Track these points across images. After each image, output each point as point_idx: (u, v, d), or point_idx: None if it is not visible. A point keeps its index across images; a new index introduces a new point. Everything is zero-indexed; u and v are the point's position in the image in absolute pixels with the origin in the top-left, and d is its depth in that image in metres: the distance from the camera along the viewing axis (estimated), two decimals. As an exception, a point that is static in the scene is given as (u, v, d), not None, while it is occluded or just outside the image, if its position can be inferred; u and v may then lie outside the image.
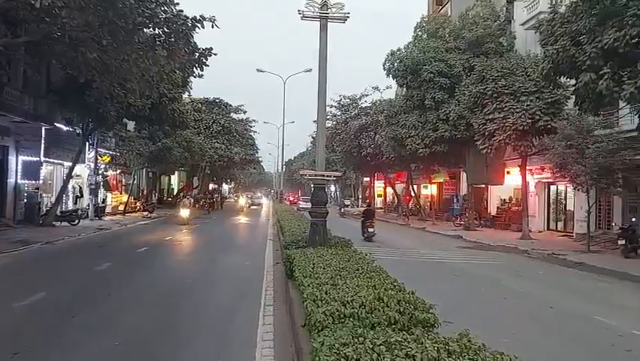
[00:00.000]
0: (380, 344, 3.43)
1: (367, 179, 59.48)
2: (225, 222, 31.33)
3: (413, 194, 42.40)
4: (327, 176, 10.44)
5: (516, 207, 28.90)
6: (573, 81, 15.35)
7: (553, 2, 22.28)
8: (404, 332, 3.91)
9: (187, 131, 36.31)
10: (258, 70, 45.54)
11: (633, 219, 19.22)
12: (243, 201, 48.96)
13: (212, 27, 15.39)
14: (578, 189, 20.11)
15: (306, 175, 11.24)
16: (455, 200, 36.57)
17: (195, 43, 17.10)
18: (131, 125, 33.68)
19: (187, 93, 37.36)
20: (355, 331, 3.85)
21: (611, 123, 21.03)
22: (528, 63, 22.47)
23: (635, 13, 12.20)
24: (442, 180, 41.30)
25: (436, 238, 25.50)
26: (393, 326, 4.25)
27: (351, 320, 4.43)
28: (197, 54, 17.19)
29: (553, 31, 14.89)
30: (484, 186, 32.72)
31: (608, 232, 21.37)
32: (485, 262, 16.75)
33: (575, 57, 14.03)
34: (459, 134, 27.06)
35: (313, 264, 7.22)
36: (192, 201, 43.61)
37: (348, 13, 9.99)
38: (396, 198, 49.11)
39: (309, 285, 5.76)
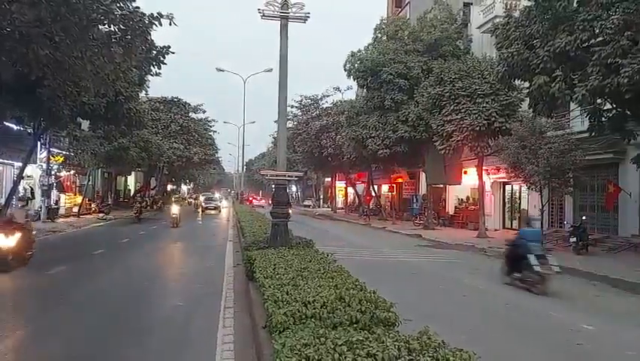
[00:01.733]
0: (341, 344, 3.42)
1: (329, 179, 59.69)
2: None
3: (374, 194, 42.80)
4: (289, 176, 10.40)
5: (473, 207, 29.57)
6: (527, 84, 15.79)
7: (508, 6, 23.03)
8: (365, 332, 3.92)
9: (144, 131, 35.38)
10: (217, 69, 44.74)
11: (584, 218, 19.98)
12: (176, 209, 27.38)
13: (170, 25, 15.06)
14: (532, 189, 20.74)
15: (266, 175, 11.16)
16: (415, 200, 37.12)
17: (153, 40, 16.69)
18: (85, 124, 32.55)
19: (144, 92, 36.52)
20: (317, 331, 3.83)
21: (563, 125, 21.81)
22: (484, 66, 23.04)
23: (585, 19, 12.67)
24: (401, 180, 41.88)
25: (396, 238, 25.82)
26: (355, 326, 4.25)
27: (312, 320, 4.41)
28: (155, 52, 16.77)
29: (507, 34, 15.30)
30: (442, 186, 33.35)
31: (561, 230, 22.14)
32: (444, 260, 17.06)
33: (529, 60, 14.45)
34: (418, 135, 27.49)
35: (274, 265, 7.16)
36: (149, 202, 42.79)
37: (309, 13, 9.97)
38: (357, 198, 49.48)
39: (270, 286, 5.70)
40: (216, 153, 57.44)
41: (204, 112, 52.35)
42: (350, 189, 54.23)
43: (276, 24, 10.45)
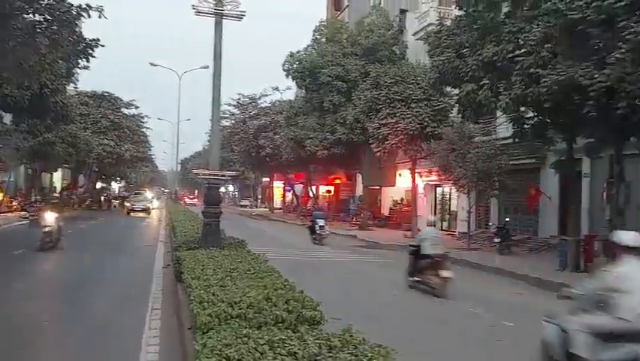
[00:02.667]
0: (263, 343, 3.43)
1: (267, 179, 59.44)
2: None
3: (312, 195, 43.06)
4: (222, 176, 10.28)
5: (407, 208, 30.37)
6: (457, 90, 16.45)
7: (442, 15, 23.84)
8: (289, 331, 3.94)
9: (72, 126, 33.80)
10: (151, 64, 43.26)
11: (507, 220, 21.06)
12: (50, 219, 15.53)
13: (100, 17, 14.53)
14: (461, 191, 21.59)
15: (199, 174, 10.98)
16: (351, 201, 37.68)
17: (81, 32, 16.05)
18: (7, 117, 30.71)
19: (73, 85, 34.87)
20: (240, 331, 3.82)
21: (490, 131, 22.90)
22: (418, 72, 23.79)
23: (511, 30, 13.37)
24: (339, 182, 42.37)
25: (332, 238, 26.00)
26: (280, 325, 4.27)
27: (237, 320, 4.38)
28: (83, 44, 16.12)
29: (439, 42, 15.88)
30: (378, 187, 34.04)
31: (486, 231, 23.19)
32: (377, 260, 17.43)
33: (459, 68, 15.07)
34: (355, 138, 27.91)
35: (203, 265, 7.05)
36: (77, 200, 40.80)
37: (244, 12, 9.90)
38: (295, 198, 49.58)
39: (196, 287, 5.61)
40: (150, 150, 55.67)
41: (137, 108, 50.57)
42: (288, 190, 54.27)
43: (212, 21, 10.31)
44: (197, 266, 7.10)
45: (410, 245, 12.46)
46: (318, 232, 21.77)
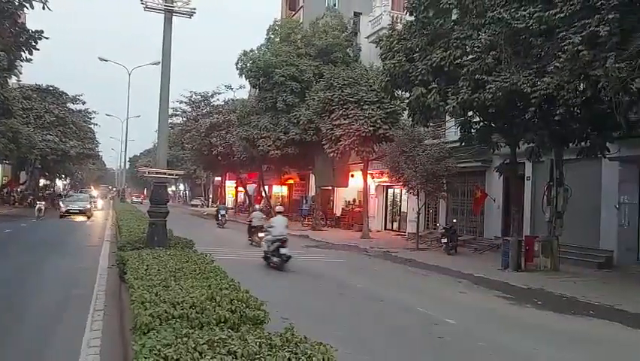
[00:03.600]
0: (203, 343, 3.41)
1: (219, 178, 58.67)
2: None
3: (264, 194, 42.83)
4: (169, 174, 10.08)
5: (359, 209, 30.70)
6: (408, 94, 16.78)
7: (394, 19, 24.28)
8: (231, 330, 3.94)
9: (13, 120, 32.27)
10: (100, 59, 41.78)
11: (454, 221, 21.69)
12: None
13: (44, 8, 13.96)
14: (410, 193, 22.06)
15: (145, 173, 10.74)
16: (304, 201, 37.72)
17: (24, 24, 15.39)
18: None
19: (15, 78, 33.30)
20: (180, 331, 3.78)
21: (439, 134, 23.52)
22: (371, 74, 24.09)
23: (459, 37, 13.76)
24: (292, 182, 42.34)
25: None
26: (222, 325, 4.26)
27: (179, 320, 4.34)
28: (26, 36, 15.45)
29: (391, 46, 16.15)
30: (331, 188, 34.25)
31: (434, 232, 23.78)
32: (328, 260, 17.54)
33: (409, 72, 15.38)
34: (308, 138, 27.98)
35: (147, 265, 6.92)
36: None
37: (194, 9, 9.76)
38: (247, 198, 49.17)
39: (139, 287, 5.50)
40: (97, 147, 53.75)
41: (84, 103, 48.77)
42: (240, 189, 53.75)
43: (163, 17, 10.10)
44: (141, 266, 6.96)
45: (265, 227, 16.18)
46: (220, 219, 30.61)
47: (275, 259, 13.95)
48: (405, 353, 7.05)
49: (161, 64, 9.92)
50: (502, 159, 18.03)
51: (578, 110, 12.43)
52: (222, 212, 31.43)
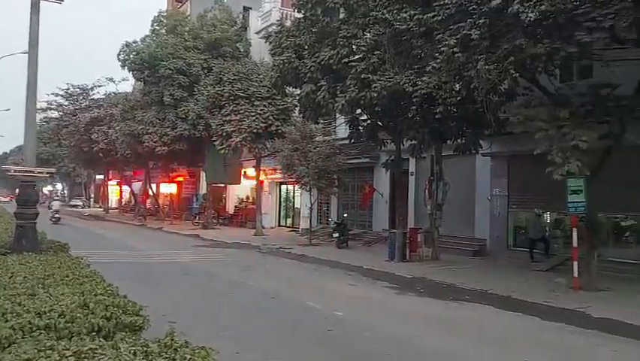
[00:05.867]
0: (70, 355, 3.10)
1: (101, 177, 55.05)
2: None
3: (151, 193, 40.96)
4: (38, 172, 9.17)
5: (252, 206, 30.45)
6: (298, 90, 16.90)
7: (284, 15, 24.33)
8: (104, 339, 3.63)
9: None
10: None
11: (345, 215, 22.30)
12: None
13: None
14: (303, 189, 22.29)
15: (10, 171, 9.71)
16: (195, 199, 36.66)
17: None
18: None
19: None
20: (44, 343, 3.41)
21: (330, 131, 24.01)
22: (262, 70, 23.95)
23: (345, 36, 14.08)
24: (181, 179, 40.92)
25: (173, 238, 25.13)
26: (95, 334, 3.92)
27: (45, 331, 3.92)
28: None
29: (280, 43, 16.15)
30: (223, 185, 33.62)
31: (327, 227, 24.25)
32: (219, 259, 17.19)
33: (299, 69, 15.48)
34: (198, 134, 27.21)
35: (12, 273, 6.21)
36: None
37: (66, -6, 8.97)
38: (133, 197, 46.71)
39: (0, 297, 4.91)
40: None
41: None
42: (125, 188, 50.86)
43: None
44: (4, 274, 6.24)
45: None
46: (52, 215, 29.49)
47: None
48: (294, 348, 7.05)
49: (28, 52, 9.00)
50: (388, 156, 18.80)
51: (455, 109, 13.24)
52: (55, 207, 30.83)
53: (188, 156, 30.77)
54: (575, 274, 11.02)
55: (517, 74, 10.23)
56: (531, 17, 8.67)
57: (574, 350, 7.44)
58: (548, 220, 16.11)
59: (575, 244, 11.20)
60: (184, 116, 27.50)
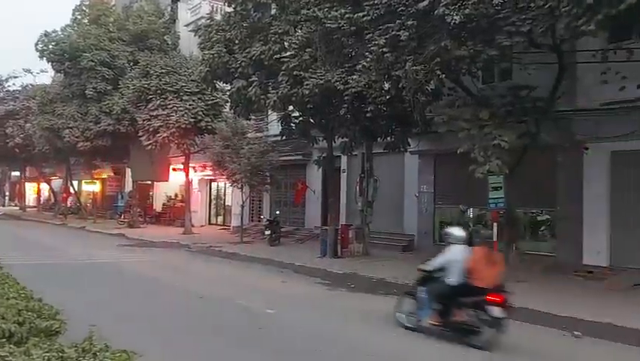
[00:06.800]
0: (-25, 365, 2.86)
1: (17, 173, 51.56)
2: None
3: (73, 191, 38.89)
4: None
5: (181, 204, 29.62)
6: (229, 86, 16.62)
7: (214, 9, 23.84)
8: (16, 345, 3.38)
9: None
10: None
11: (277, 213, 22.19)
12: None
13: None
14: (235, 186, 21.94)
15: None
16: (120, 197, 35.21)
17: None
18: None
19: None
20: (-56, 356, 3.12)
21: (262, 128, 23.82)
22: (191, 64, 23.34)
23: (277, 32, 14.01)
24: (105, 176, 39.10)
25: (97, 238, 24.03)
26: (5, 340, 3.63)
27: (-53, 342, 3.59)
28: None
29: (210, 36, 15.79)
30: (150, 182, 32.53)
31: (259, 224, 24.06)
32: (146, 259, 16.63)
33: (229, 64, 15.23)
34: (123, 129, 26.10)
35: None
36: None
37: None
38: (52, 195, 44.13)
39: None
40: None
41: None
42: (44, 185, 47.93)
43: None
44: None
45: None
46: None
47: None
48: (223, 348, 6.93)
49: None
50: (320, 153, 18.91)
51: (385, 108, 13.51)
52: None
53: (112, 152, 29.47)
54: (496, 267, 11.57)
55: (443, 75, 10.62)
56: (456, 20, 9.00)
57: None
58: (472, 216, 16.83)
59: (495, 237, 11.77)
60: (108, 110, 26.29)
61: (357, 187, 17.21)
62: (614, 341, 7.44)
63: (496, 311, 6.91)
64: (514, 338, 7.16)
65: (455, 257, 7.49)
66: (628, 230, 12.08)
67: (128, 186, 33.63)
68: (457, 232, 7.90)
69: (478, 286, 7.10)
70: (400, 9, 10.22)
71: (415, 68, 10.12)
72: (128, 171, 32.44)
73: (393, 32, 10.19)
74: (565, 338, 7.81)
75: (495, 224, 11.87)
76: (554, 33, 9.98)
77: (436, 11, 9.43)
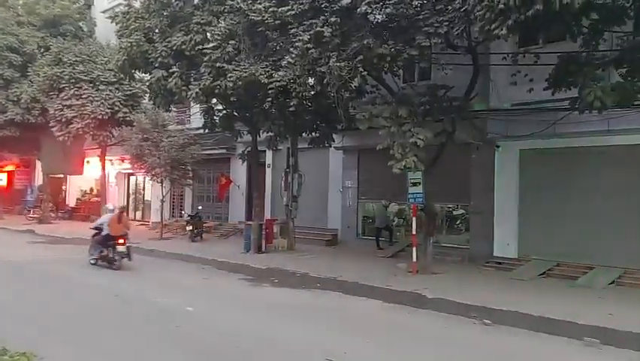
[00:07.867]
0: None
1: None
2: None
3: (-25, 185, 35.93)
4: None
5: (96, 198, 28.26)
6: (148, 76, 15.98)
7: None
8: None
9: None
10: None
11: (199, 208, 21.71)
12: None
13: None
14: (154, 180, 21.18)
15: None
16: (29, 191, 33.01)
17: None
18: None
19: None
20: None
21: (184, 120, 23.15)
22: (108, 52, 22.26)
23: (199, 22, 13.61)
24: (13, 169, 36.44)
25: (2, 235, 22.38)
26: None
27: None
28: None
29: (127, 24, 15.08)
30: (62, 176, 30.78)
31: (180, 220, 23.41)
32: (57, 257, 15.69)
33: (148, 53, 14.62)
34: (33, 119, 24.40)
35: None
36: None
37: None
38: (-49, 190, 40.53)
39: None
40: None
41: None
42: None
43: None
44: None
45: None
46: None
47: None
48: (137, 348, 6.66)
49: None
50: (244, 147, 18.69)
51: (309, 103, 13.56)
52: None
53: (21, 143, 27.42)
54: (414, 259, 12.00)
55: (366, 73, 10.79)
56: (378, 19, 9.20)
57: (410, 327, 8.11)
58: (393, 210, 17.32)
59: (414, 231, 12.20)
60: (15, 98, 24.47)
61: (283, 182, 17.19)
62: (521, 328, 7.93)
63: (121, 248, 12.99)
64: (426, 327, 7.42)
65: (105, 220, 13.67)
66: (535, 223, 12.95)
67: (39, 179, 31.56)
68: (110, 206, 15.03)
69: (112, 235, 13.02)
70: (323, 5, 10.28)
71: (338, 64, 10.22)
72: (39, 164, 30.47)
73: (317, 28, 10.22)
74: (475, 325, 8.22)
75: (414, 218, 12.29)
76: (470, 35, 10.45)
77: (358, 9, 9.56)
